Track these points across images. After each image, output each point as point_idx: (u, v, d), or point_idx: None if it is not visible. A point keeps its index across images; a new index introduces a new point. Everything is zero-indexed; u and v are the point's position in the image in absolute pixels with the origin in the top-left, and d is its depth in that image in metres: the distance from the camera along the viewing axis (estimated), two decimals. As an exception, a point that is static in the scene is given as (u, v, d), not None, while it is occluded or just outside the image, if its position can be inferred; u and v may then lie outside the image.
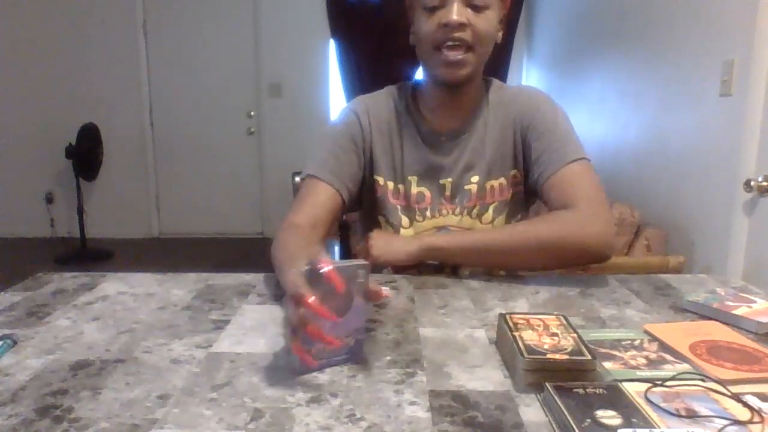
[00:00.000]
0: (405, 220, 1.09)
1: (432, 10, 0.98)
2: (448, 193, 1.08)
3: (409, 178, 1.09)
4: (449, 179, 1.08)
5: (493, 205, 1.08)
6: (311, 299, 0.57)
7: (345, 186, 1.05)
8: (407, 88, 1.13)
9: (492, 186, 1.08)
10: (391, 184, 1.09)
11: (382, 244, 0.99)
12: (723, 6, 1.89)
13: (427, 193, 1.08)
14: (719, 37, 1.91)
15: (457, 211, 1.08)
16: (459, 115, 1.08)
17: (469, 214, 1.08)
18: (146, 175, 4.91)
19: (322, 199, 1.03)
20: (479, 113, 1.09)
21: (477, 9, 0.97)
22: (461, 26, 0.96)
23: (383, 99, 1.12)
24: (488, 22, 0.98)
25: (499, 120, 1.08)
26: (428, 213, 1.08)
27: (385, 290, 0.89)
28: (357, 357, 0.65)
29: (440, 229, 1.08)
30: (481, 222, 1.08)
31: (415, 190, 1.09)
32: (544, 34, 4.32)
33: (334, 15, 4.60)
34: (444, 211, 1.08)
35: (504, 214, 1.09)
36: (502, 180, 1.08)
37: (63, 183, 4.76)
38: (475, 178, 1.07)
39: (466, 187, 1.07)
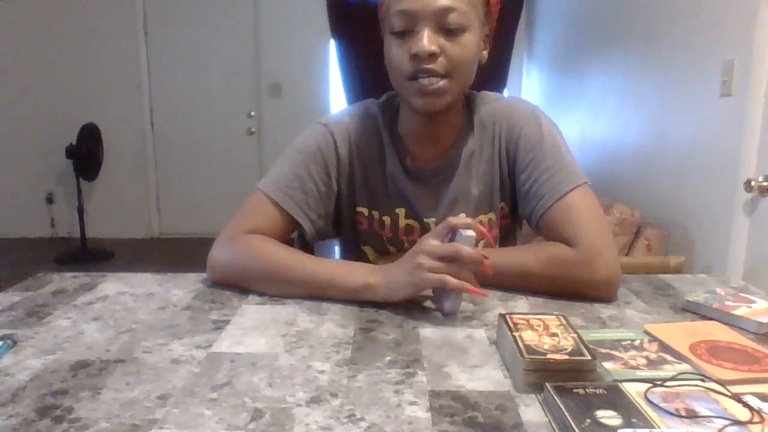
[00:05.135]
0: (393, 251, 1.02)
1: (401, 35, 0.87)
2: None
3: (397, 210, 1.01)
4: (433, 219, 1.00)
5: (482, 242, 0.98)
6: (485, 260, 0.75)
7: (308, 219, 0.98)
8: (393, 109, 1.03)
9: (480, 222, 1.00)
10: (376, 214, 1.02)
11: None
12: (723, 6, 1.89)
13: (416, 226, 1.01)
14: (719, 37, 1.91)
15: None
16: (441, 146, 1.00)
17: None
18: (146, 175, 4.91)
19: (280, 228, 0.96)
20: (463, 142, 1.00)
21: (451, 33, 0.86)
22: (432, 56, 0.85)
23: (366, 123, 1.02)
24: (464, 47, 0.87)
25: (485, 149, 1.00)
26: None
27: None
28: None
29: None
30: None
31: (403, 222, 1.01)
32: (544, 34, 4.32)
33: (334, 15, 4.60)
34: None
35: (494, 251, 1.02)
36: (491, 215, 1.01)
37: (63, 183, 4.77)
38: (461, 216, 0.93)
39: None
